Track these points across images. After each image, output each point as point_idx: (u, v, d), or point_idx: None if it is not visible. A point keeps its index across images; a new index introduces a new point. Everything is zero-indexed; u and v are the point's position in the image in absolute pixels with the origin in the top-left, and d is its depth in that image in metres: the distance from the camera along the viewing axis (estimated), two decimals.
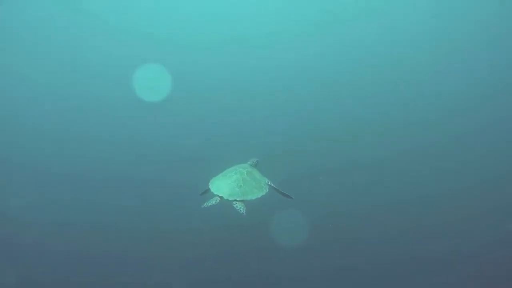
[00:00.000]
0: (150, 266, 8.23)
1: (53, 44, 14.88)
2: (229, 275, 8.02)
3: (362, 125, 13.04)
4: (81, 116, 13.49)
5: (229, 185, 5.05)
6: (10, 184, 10.41)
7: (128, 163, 11.77)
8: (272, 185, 5.46)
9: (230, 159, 5.85)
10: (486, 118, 13.02)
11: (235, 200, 4.91)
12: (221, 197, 4.98)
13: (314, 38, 17.17)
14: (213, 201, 4.97)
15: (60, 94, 13.99)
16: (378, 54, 16.23)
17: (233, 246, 8.39)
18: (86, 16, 15.53)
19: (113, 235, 9.00)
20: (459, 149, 11.63)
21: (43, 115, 13.22)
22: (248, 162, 5.91)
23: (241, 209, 4.86)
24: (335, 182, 10.28)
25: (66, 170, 11.22)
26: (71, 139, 12.66)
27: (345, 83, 15.42)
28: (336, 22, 16.93)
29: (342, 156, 11.49)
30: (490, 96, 13.79)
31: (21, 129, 12.75)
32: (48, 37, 14.87)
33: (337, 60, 16.61)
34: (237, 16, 17.66)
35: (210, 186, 5.20)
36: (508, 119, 12.74)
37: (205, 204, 4.95)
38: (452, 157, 11.27)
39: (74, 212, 9.66)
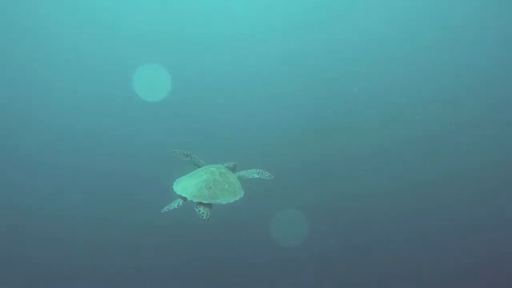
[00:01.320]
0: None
1: (52, 44, 14.77)
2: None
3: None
4: (80, 116, 13.51)
5: (197, 186, 4.33)
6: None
7: (126, 163, 11.80)
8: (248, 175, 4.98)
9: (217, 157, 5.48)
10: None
11: (200, 203, 4.20)
12: (185, 199, 4.28)
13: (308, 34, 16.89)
14: (175, 204, 4.24)
15: (58, 94, 13.94)
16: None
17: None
18: (86, 16, 15.54)
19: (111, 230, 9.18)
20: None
21: (40, 115, 13.25)
22: (224, 165, 5.20)
23: (204, 213, 4.13)
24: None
25: (65, 170, 11.34)
26: (69, 139, 12.70)
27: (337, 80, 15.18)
28: (324, 17, 16.58)
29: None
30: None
31: (18, 126, 12.79)
32: (47, 36, 14.76)
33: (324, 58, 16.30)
34: (237, 15, 17.63)
35: (174, 186, 4.53)
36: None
37: (166, 208, 4.20)
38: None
39: (73, 208, 9.83)
